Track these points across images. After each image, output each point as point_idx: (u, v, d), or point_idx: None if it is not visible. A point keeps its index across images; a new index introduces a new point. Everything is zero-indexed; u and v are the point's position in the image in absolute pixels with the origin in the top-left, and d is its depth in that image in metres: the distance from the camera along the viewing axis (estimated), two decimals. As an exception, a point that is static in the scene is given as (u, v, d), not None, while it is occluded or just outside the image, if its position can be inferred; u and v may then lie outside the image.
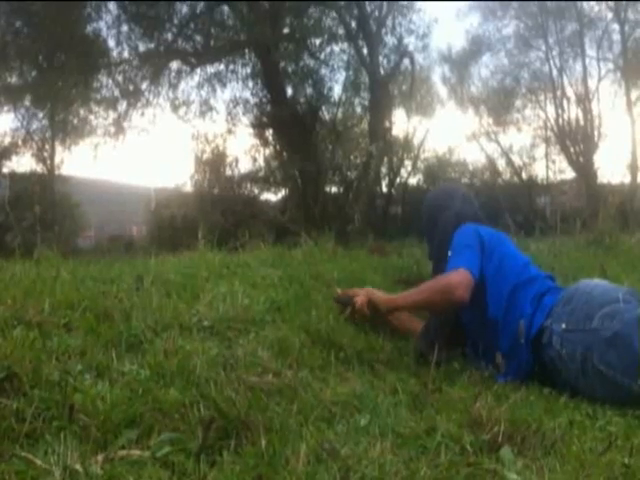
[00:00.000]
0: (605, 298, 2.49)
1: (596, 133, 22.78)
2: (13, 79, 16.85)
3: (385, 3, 16.11)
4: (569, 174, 24.43)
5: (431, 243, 3.43)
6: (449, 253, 2.92)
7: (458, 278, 2.71)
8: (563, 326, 2.51)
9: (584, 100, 22.90)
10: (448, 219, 3.19)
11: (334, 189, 17.16)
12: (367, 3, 15.76)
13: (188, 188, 21.56)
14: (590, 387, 2.40)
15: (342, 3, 15.43)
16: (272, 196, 20.47)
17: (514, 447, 1.85)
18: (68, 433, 1.67)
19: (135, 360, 2.24)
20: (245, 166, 20.20)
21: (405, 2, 17.03)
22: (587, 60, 23.16)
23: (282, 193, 19.57)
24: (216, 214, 17.47)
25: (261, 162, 19.78)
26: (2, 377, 1.91)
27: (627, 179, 22.67)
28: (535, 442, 1.89)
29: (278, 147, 17.69)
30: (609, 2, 22.62)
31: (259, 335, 2.68)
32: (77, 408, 1.77)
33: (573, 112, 23.33)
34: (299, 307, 3.16)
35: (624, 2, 21.87)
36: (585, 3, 22.87)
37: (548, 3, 22.78)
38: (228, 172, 20.54)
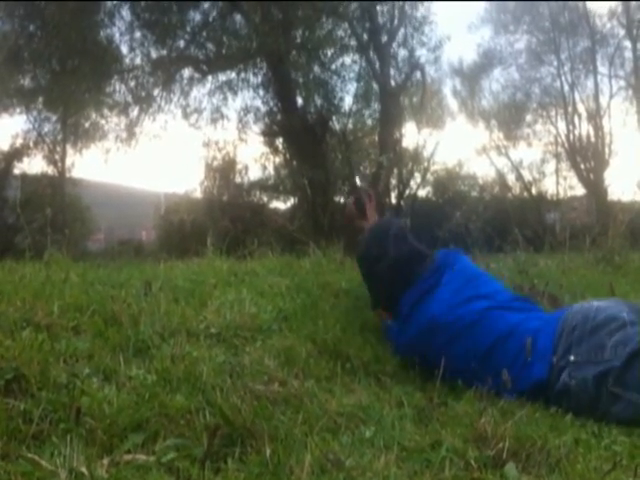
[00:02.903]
0: (612, 325, 2.37)
1: (607, 150, 22.76)
2: (26, 82, 16.99)
3: (397, 15, 16.12)
4: (579, 190, 24.41)
5: (372, 295, 3.33)
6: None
7: None
8: (572, 358, 2.39)
9: (595, 117, 22.89)
10: (384, 273, 3.10)
11: (343, 199, 17.16)
12: (379, 15, 15.81)
13: (198, 194, 21.68)
14: (603, 412, 2.31)
15: (355, 14, 15.47)
16: (281, 204, 20.53)
17: (519, 464, 1.85)
18: (74, 436, 1.68)
19: (142, 365, 2.25)
20: (255, 174, 20.33)
21: (418, 15, 17.03)
22: (599, 77, 23.21)
23: (291, 201, 19.62)
24: (225, 221, 17.50)
25: (271, 170, 19.89)
26: (10, 378, 1.93)
27: (638, 197, 22.66)
28: (540, 459, 1.88)
29: (288, 156, 17.75)
30: (621, 20, 22.61)
31: (266, 344, 2.68)
32: (84, 411, 1.78)
33: (584, 128, 23.36)
34: (306, 316, 3.16)
35: (637, 20, 21.88)
36: (598, 19, 22.85)
37: (561, 19, 22.78)
38: (238, 179, 20.64)
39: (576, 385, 2.35)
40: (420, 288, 2.94)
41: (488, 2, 24.35)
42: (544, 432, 2.06)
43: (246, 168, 20.44)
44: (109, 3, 15.54)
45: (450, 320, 2.75)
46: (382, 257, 3.11)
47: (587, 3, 22.65)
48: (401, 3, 16.13)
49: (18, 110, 18.54)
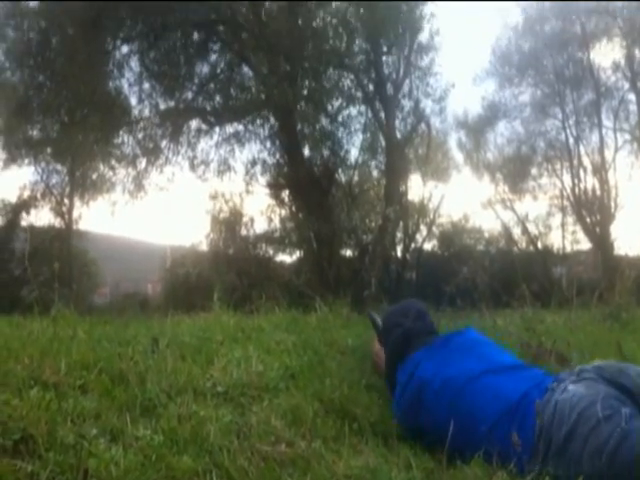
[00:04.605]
0: (585, 426, 2.25)
1: (613, 204, 22.78)
2: (35, 133, 17.17)
3: (402, 65, 16.35)
4: (585, 244, 24.38)
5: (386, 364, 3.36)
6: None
7: None
8: (551, 471, 2.26)
9: (601, 170, 22.97)
10: (397, 338, 3.19)
11: (349, 252, 17.18)
12: (384, 65, 16.04)
13: (204, 247, 21.72)
14: None
15: (360, 67, 15.72)
16: (287, 257, 20.52)
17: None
18: (82, 499, 1.67)
19: (149, 425, 2.24)
20: (261, 226, 20.34)
21: (423, 65, 17.25)
22: (604, 130, 23.31)
23: (297, 254, 19.62)
24: (231, 274, 17.52)
25: (277, 223, 19.90)
26: (17, 439, 1.93)
27: (645, 251, 22.62)
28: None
29: (294, 208, 17.78)
30: (625, 72, 22.89)
31: (273, 403, 2.67)
32: (91, 473, 1.78)
33: (589, 182, 23.40)
34: (313, 375, 3.15)
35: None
36: (602, 72, 23.14)
37: (565, 72, 23.08)
38: (244, 232, 20.68)
39: None
40: (417, 356, 2.97)
41: (493, 56, 24.55)
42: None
43: (252, 220, 20.51)
44: (117, 55, 15.80)
45: (437, 382, 2.74)
46: (401, 325, 3.21)
47: (592, 56, 22.89)
48: (405, 53, 16.34)
49: (26, 161, 18.72)
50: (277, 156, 17.32)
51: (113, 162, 18.31)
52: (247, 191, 18.42)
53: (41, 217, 20.95)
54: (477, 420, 2.51)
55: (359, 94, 16.32)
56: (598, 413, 2.25)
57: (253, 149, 18.21)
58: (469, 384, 2.67)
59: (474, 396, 2.61)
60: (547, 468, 2.25)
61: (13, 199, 20.45)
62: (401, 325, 3.21)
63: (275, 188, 17.97)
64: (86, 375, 2.57)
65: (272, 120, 16.75)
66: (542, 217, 25.36)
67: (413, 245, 22.06)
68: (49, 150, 18.17)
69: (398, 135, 16.28)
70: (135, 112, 16.69)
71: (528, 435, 2.36)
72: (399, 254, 20.70)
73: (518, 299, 6.06)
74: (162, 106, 16.56)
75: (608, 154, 23.21)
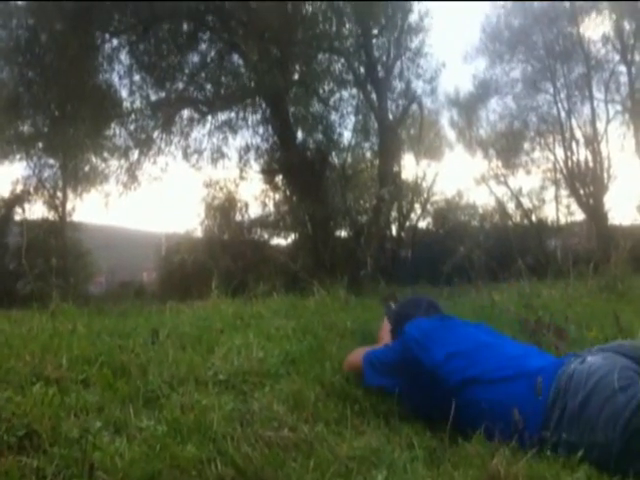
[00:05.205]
0: (602, 394, 2.25)
1: (605, 175, 22.76)
2: (26, 128, 17.08)
3: (392, 49, 16.30)
4: (579, 216, 24.40)
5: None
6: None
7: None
8: (564, 436, 2.28)
9: (593, 142, 22.94)
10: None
11: (344, 233, 17.18)
12: (375, 48, 15.99)
13: (198, 233, 21.71)
14: None
15: (351, 50, 15.67)
16: (282, 241, 20.51)
17: (532, 503, 1.85)
18: (88, 492, 1.68)
19: (152, 415, 2.26)
20: (255, 211, 20.33)
21: (413, 47, 17.19)
22: (595, 102, 23.26)
23: (292, 238, 19.61)
24: (226, 259, 17.53)
25: (271, 207, 19.88)
26: (22, 435, 1.94)
27: (638, 221, 22.65)
28: (553, 498, 1.88)
29: (288, 192, 17.76)
30: (615, 45, 22.84)
31: (274, 389, 2.69)
32: (96, 466, 1.79)
33: (582, 154, 23.35)
34: (313, 359, 3.17)
35: (630, 44, 22.12)
36: (592, 45, 23.05)
37: (556, 46, 23.01)
38: (238, 217, 20.67)
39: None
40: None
41: (483, 33, 24.44)
42: (556, 470, 2.05)
43: (246, 206, 20.51)
44: (107, 48, 15.74)
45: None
46: (414, 316, 3.18)
47: (581, 30, 22.78)
48: (395, 35, 16.29)
49: (18, 156, 18.57)
50: (270, 141, 17.30)
51: (105, 154, 18.26)
52: (241, 177, 18.41)
53: (34, 211, 20.95)
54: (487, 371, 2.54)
55: (350, 77, 16.27)
56: (614, 383, 2.25)
57: (246, 135, 18.17)
58: (482, 347, 2.70)
59: (486, 354, 2.65)
60: (561, 434, 2.27)
61: (6, 194, 20.42)
62: (414, 316, 3.19)
63: (269, 173, 17.94)
64: (88, 369, 2.59)
65: (264, 106, 16.70)
66: (536, 191, 25.33)
67: (408, 224, 22.07)
68: (41, 145, 18.08)
69: (390, 116, 16.25)
70: (126, 104, 16.63)
71: (539, 404, 2.36)
72: (394, 233, 20.73)
73: (514, 273, 6.09)
74: (153, 97, 16.48)
75: (600, 126, 23.18)
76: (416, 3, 16.12)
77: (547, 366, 2.53)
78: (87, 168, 19.81)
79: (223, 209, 20.64)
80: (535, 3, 23.13)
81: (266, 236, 20.42)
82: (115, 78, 16.26)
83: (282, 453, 2.04)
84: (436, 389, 2.62)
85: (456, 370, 2.58)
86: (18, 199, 20.39)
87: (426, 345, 2.73)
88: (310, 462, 2.01)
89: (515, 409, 2.29)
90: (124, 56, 15.96)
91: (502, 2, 24.29)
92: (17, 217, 20.48)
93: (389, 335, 3.35)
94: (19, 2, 15.71)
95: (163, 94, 16.36)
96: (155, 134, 16.77)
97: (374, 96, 16.06)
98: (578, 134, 23.44)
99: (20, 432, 1.94)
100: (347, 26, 15.74)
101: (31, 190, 20.47)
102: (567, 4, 22.67)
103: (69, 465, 1.82)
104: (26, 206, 20.66)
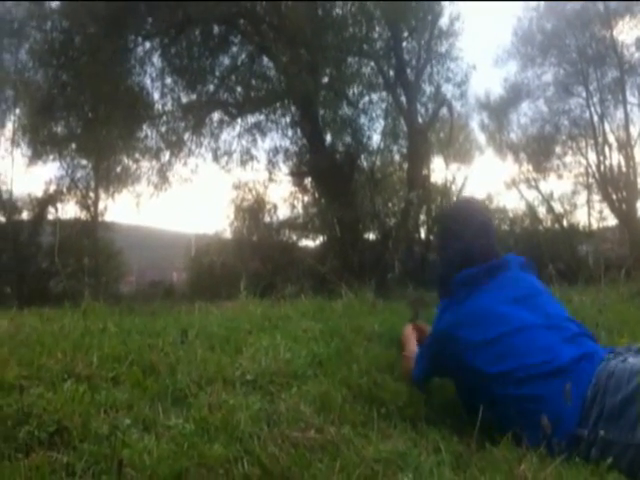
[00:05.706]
0: None
1: (639, 180, 22.51)
2: (59, 129, 17.30)
3: (423, 53, 16.28)
4: (611, 221, 24.12)
5: (439, 262, 3.26)
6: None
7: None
8: (602, 433, 2.23)
9: (626, 146, 22.68)
10: (454, 254, 2.99)
11: (372, 237, 17.16)
12: (405, 52, 15.98)
13: (227, 235, 21.84)
14: None
15: (380, 53, 15.67)
16: (310, 242, 20.54)
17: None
18: (117, 488, 1.71)
19: (180, 414, 2.28)
20: (284, 213, 20.41)
21: (443, 50, 17.15)
22: (629, 107, 22.99)
23: (320, 240, 19.62)
24: (255, 261, 17.61)
25: (300, 209, 19.94)
26: (52, 431, 1.97)
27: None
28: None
29: (317, 195, 17.80)
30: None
31: (301, 390, 2.69)
32: (125, 462, 1.81)
33: (615, 159, 23.10)
34: (340, 361, 3.17)
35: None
36: (625, 49, 22.78)
37: (588, 50, 22.79)
38: (267, 219, 20.76)
39: (610, 463, 2.19)
40: (476, 272, 2.82)
41: (514, 37, 24.25)
42: (585, 477, 2.04)
43: (275, 207, 20.60)
44: (140, 51, 15.92)
45: (494, 313, 2.66)
46: (460, 238, 3.00)
47: (614, 33, 22.51)
48: (426, 39, 16.27)
49: (51, 157, 18.85)
50: (299, 144, 17.37)
51: (137, 155, 18.45)
52: (270, 179, 18.50)
53: (67, 211, 21.26)
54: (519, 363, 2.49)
55: (380, 80, 16.29)
56: None
57: (275, 138, 18.22)
58: (519, 332, 2.59)
59: (520, 342, 2.57)
60: (598, 432, 2.23)
61: (40, 194, 20.72)
62: (461, 239, 3.00)
63: (297, 176, 18.00)
64: (118, 367, 2.62)
65: (293, 109, 16.76)
66: (567, 195, 25.05)
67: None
68: (74, 146, 18.31)
69: (420, 120, 16.22)
70: (158, 106, 16.87)
71: (576, 401, 2.32)
72: (422, 237, 20.66)
73: (544, 278, 6.04)
74: (184, 100, 16.73)
75: (633, 130, 22.92)
76: (447, 6, 16.09)
77: (584, 357, 2.48)
78: (119, 169, 20.04)
79: (252, 211, 20.74)
80: (568, 6, 22.93)
81: (294, 238, 20.48)
82: (147, 81, 16.52)
83: (308, 454, 2.04)
84: (472, 378, 2.63)
85: (490, 361, 2.55)
86: (51, 199, 20.71)
87: (458, 334, 2.69)
88: (336, 464, 2.01)
89: (544, 416, 2.25)
90: (156, 59, 16.24)
91: (535, 4, 24.13)
92: (50, 217, 20.88)
93: (413, 340, 3.33)
94: (53, 5, 15.95)
95: (194, 97, 16.56)
96: (186, 136, 16.95)
97: (403, 99, 16.06)
98: (611, 138, 23.21)
99: (51, 428, 1.97)
100: (377, 29, 15.81)
101: (64, 190, 20.82)
102: (601, 7, 22.42)
103: (98, 461, 1.84)
104: (59, 206, 21.05)
